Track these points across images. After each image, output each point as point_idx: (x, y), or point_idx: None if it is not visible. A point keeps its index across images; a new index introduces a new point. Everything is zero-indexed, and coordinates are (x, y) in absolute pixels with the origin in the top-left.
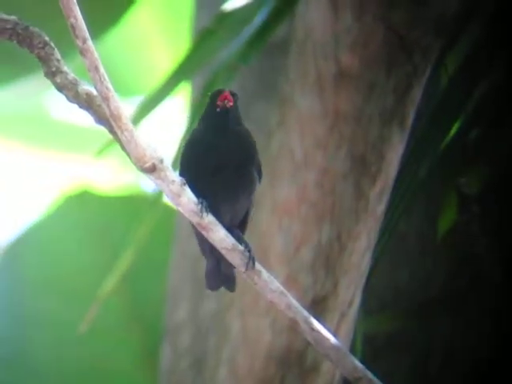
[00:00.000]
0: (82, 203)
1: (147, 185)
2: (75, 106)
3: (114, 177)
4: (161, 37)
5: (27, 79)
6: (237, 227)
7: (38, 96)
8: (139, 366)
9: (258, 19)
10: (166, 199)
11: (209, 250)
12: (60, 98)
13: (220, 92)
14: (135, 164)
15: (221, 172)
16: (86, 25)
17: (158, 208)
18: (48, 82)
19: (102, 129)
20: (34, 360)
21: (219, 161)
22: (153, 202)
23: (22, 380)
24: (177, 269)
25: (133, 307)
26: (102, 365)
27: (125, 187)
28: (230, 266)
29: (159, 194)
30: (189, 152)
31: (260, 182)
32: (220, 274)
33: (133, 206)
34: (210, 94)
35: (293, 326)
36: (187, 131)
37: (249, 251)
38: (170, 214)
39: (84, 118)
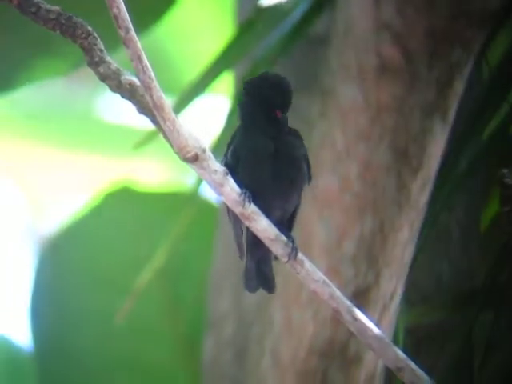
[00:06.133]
0: (123, 199)
1: (190, 181)
2: (119, 99)
3: (158, 174)
4: (205, 29)
5: (74, 75)
6: (284, 223)
7: (84, 96)
8: (180, 358)
9: (298, 12)
10: (207, 190)
11: (249, 251)
12: (106, 98)
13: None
14: (177, 154)
15: (275, 169)
16: (130, 17)
17: (196, 200)
18: (95, 82)
19: (145, 128)
20: (76, 351)
21: (273, 162)
22: (191, 193)
23: (65, 371)
24: (220, 260)
25: (174, 300)
26: (144, 356)
27: (168, 184)
28: (269, 267)
29: (197, 185)
30: (243, 147)
31: (309, 183)
32: (259, 275)
33: (175, 202)
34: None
35: (335, 316)
36: (228, 123)
37: (292, 242)
38: (211, 207)
39: (129, 118)
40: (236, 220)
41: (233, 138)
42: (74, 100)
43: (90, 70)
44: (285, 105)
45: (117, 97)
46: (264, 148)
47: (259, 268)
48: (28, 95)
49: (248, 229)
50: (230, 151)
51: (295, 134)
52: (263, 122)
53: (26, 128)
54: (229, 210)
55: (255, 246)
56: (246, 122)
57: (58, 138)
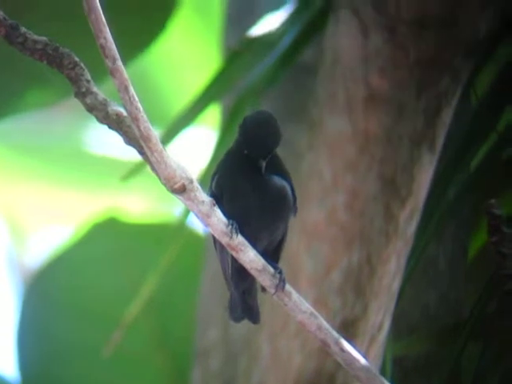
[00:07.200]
0: (110, 230)
1: (177, 212)
2: (104, 130)
3: (145, 205)
4: (193, 60)
5: (59, 106)
6: (270, 254)
7: (69, 127)
8: None
9: (285, 43)
10: (194, 221)
11: (234, 281)
12: (92, 129)
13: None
14: (165, 185)
15: (260, 200)
16: (117, 48)
17: (184, 231)
18: (80, 114)
19: (131, 159)
20: (60, 383)
21: (258, 194)
22: (178, 224)
23: None
24: (207, 292)
25: (161, 331)
26: None
27: (155, 215)
28: (254, 298)
29: (184, 216)
30: (226, 179)
31: (295, 214)
32: (244, 305)
33: (162, 233)
34: (246, 120)
35: (323, 348)
36: (215, 154)
37: (279, 273)
38: (198, 238)
39: (114, 149)
40: (222, 251)
41: (217, 168)
42: (59, 131)
43: (74, 101)
44: (261, 155)
45: (102, 128)
46: (246, 180)
47: (244, 298)
48: (12, 126)
49: (233, 259)
50: (214, 182)
51: (280, 164)
52: (244, 161)
53: (10, 159)
54: (215, 240)
55: (240, 277)
56: (230, 156)
57: (44, 169)
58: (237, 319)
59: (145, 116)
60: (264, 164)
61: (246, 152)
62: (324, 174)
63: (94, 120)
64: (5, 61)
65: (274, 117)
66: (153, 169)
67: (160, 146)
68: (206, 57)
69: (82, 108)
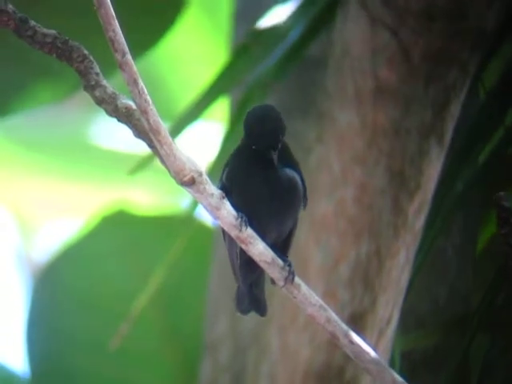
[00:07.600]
0: (118, 222)
1: (186, 204)
2: (112, 124)
3: (154, 198)
4: (201, 54)
5: (67, 101)
6: (280, 247)
7: (77, 121)
8: (177, 383)
9: (293, 35)
10: (202, 214)
11: (242, 273)
12: (101, 124)
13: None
14: (174, 178)
15: (270, 192)
16: (126, 41)
17: (192, 223)
18: (87, 108)
19: (139, 152)
20: (72, 378)
21: (268, 186)
22: (186, 216)
23: None
24: (215, 284)
25: (169, 324)
26: (140, 382)
27: (164, 208)
28: (262, 291)
29: (192, 208)
30: (236, 170)
31: (305, 206)
32: (251, 297)
33: (171, 225)
34: (248, 115)
35: (332, 340)
36: (223, 147)
37: (289, 265)
38: (207, 230)
39: (122, 143)
40: (231, 243)
41: (228, 161)
42: (67, 125)
43: (82, 95)
44: (269, 147)
45: (110, 121)
46: (256, 173)
47: (251, 290)
48: (20, 121)
49: (242, 251)
50: (224, 174)
51: (289, 155)
52: (253, 155)
53: (18, 154)
54: (224, 233)
55: (249, 269)
56: (240, 150)
57: (52, 163)
58: (244, 311)
59: (154, 109)
60: (275, 155)
61: (253, 147)
62: (333, 167)
63: (102, 113)
64: (13, 55)
65: (275, 108)
66: (162, 162)
67: (169, 138)
68: (215, 52)
69: (90, 102)
